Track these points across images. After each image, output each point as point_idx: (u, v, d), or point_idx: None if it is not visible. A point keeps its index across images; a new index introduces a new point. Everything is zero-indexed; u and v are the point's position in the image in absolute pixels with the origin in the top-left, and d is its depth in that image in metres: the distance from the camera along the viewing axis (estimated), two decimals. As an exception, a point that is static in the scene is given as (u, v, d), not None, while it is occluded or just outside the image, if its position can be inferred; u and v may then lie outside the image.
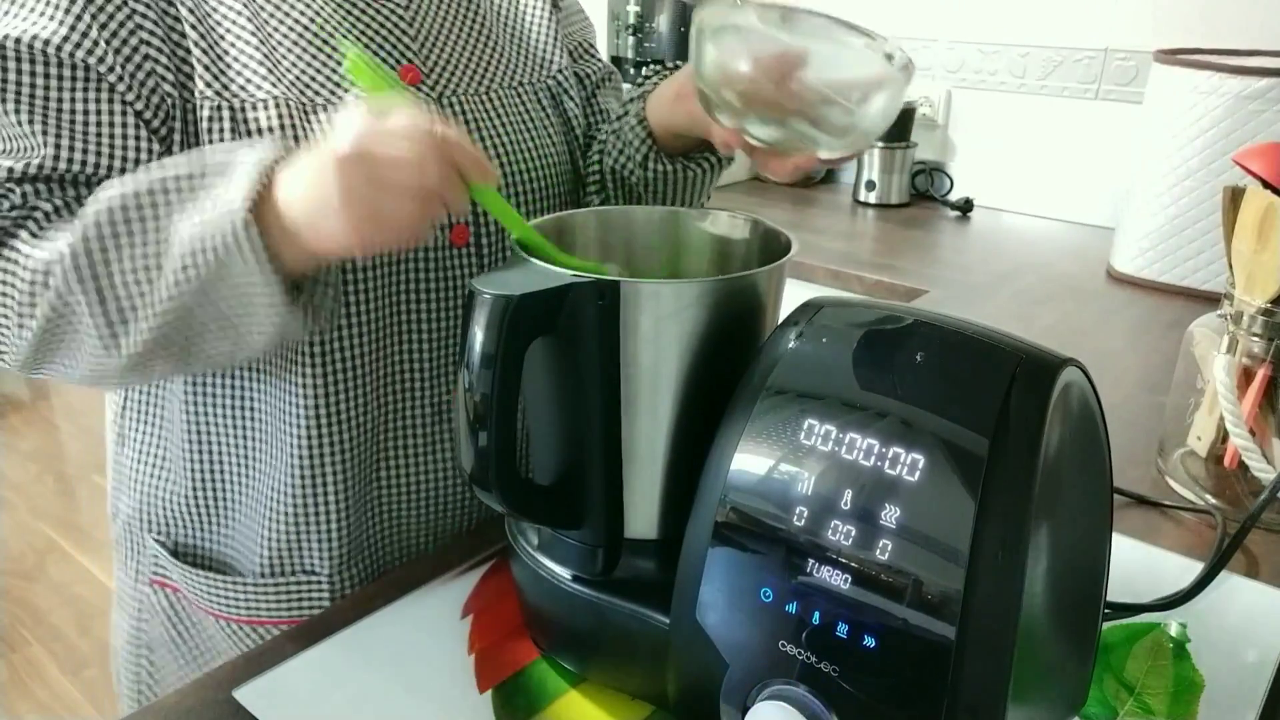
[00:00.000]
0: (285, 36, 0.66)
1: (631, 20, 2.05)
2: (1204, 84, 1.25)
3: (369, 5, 0.69)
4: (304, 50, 0.66)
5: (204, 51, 0.63)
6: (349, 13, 0.69)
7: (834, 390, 0.47)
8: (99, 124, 0.61)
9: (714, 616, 0.48)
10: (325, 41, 0.67)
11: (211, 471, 0.73)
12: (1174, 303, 1.32)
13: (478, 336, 0.48)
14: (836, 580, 0.44)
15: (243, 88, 0.64)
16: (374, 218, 0.52)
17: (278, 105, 0.64)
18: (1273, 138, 1.20)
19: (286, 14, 0.66)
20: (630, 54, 2.09)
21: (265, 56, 0.65)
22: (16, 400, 3.27)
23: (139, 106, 0.62)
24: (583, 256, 0.63)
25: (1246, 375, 0.79)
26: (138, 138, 0.62)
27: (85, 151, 0.61)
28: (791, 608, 0.45)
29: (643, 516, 0.55)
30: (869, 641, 0.43)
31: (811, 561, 0.45)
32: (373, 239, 0.53)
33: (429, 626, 0.63)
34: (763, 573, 0.46)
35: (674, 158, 0.78)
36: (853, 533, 0.44)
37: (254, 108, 0.64)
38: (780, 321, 0.52)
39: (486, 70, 0.76)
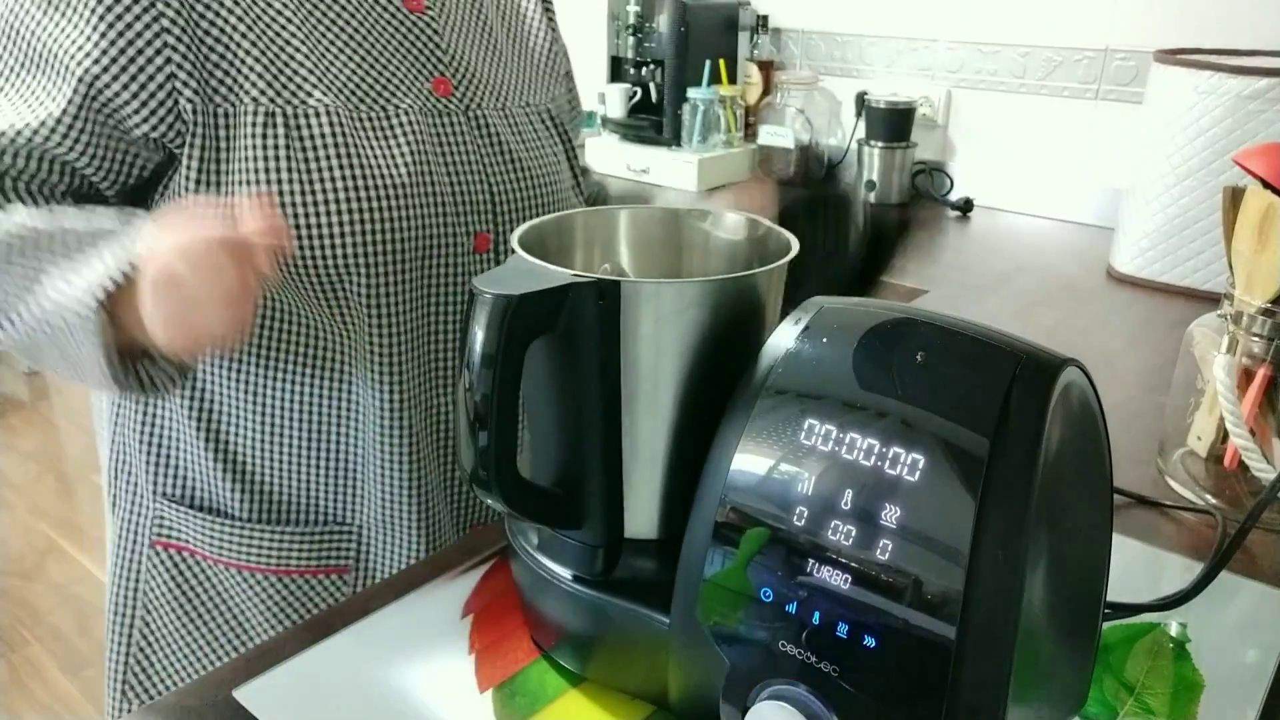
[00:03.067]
0: (335, 46, 0.70)
1: (631, 20, 2.05)
2: (1204, 84, 1.25)
3: (406, 17, 0.74)
4: (353, 60, 0.71)
5: (256, 59, 0.66)
6: (389, 23, 0.73)
7: (834, 390, 0.47)
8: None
9: (714, 616, 0.48)
10: (370, 51, 0.71)
11: (239, 423, 0.76)
12: (1174, 303, 1.31)
13: (478, 336, 0.48)
14: (836, 580, 0.44)
15: (295, 94, 0.67)
16: (189, 331, 0.56)
17: (329, 114, 0.68)
18: (1273, 138, 1.20)
19: (334, 23, 0.70)
20: (630, 54, 2.09)
21: (315, 64, 0.69)
22: (16, 400, 3.27)
23: (147, 129, 0.66)
24: (584, 256, 0.63)
25: (1246, 375, 0.79)
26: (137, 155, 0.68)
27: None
28: (791, 608, 0.45)
29: (643, 516, 0.55)
30: (869, 641, 0.43)
31: (811, 561, 0.44)
32: (190, 347, 0.58)
33: (429, 626, 0.63)
34: (763, 572, 0.46)
35: None
36: (853, 533, 0.44)
37: (308, 115, 0.67)
38: (780, 321, 0.52)
39: (501, 87, 0.80)
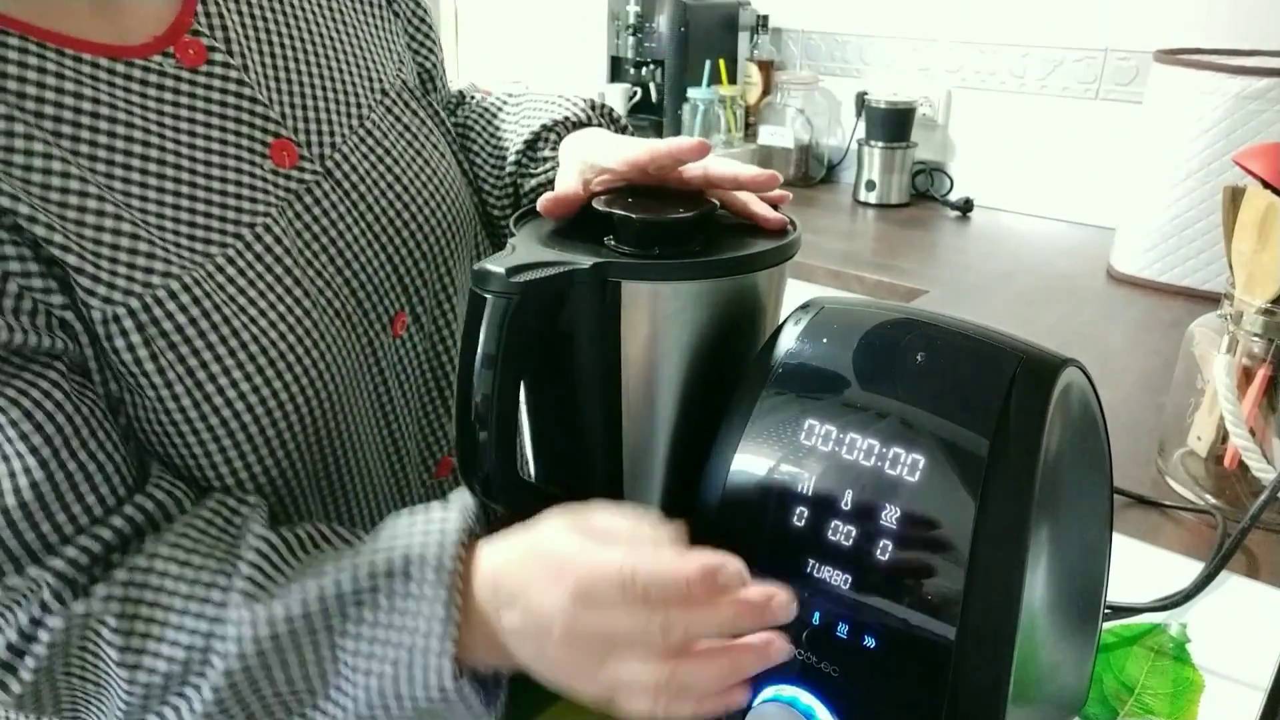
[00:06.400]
0: (148, 196, 0.52)
1: (631, 20, 2.05)
2: (1204, 84, 1.25)
3: (190, 82, 0.54)
4: (167, 191, 0.52)
5: (80, 256, 0.48)
6: (190, 122, 0.54)
7: (834, 391, 0.47)
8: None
9: (714, 617, 0.48)
10: (181, 166, 0.53)
11: None
12: (1174, 303, 1.31)
13: (478, 336, 0.48)
14: (837, 580, 0.44)
15: (134, 282, 0.50)
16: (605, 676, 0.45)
17: (181, 289, 0.51)
18: (1273, 138, 1.20)
19: (134, 169, 0.51)
20: (630, 54, 2.09)
21: (135, 233, 0.50)
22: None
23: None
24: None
25: (1246, 375, 0.79)
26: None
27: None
28: (791, 608, 0.45)
29: (643, 517, 0.55)
30: (869, 642, 0.43)
31: (812, 562, 0.44)
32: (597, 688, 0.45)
33: (429, 626, 0.63)
34: (763, 573, 0.46)
35: None
36: (853, 533, 0.44)
37: (158, 303, 0.50)
38: (780, 321, 0.52)
39: (350, 93, 0.62)
